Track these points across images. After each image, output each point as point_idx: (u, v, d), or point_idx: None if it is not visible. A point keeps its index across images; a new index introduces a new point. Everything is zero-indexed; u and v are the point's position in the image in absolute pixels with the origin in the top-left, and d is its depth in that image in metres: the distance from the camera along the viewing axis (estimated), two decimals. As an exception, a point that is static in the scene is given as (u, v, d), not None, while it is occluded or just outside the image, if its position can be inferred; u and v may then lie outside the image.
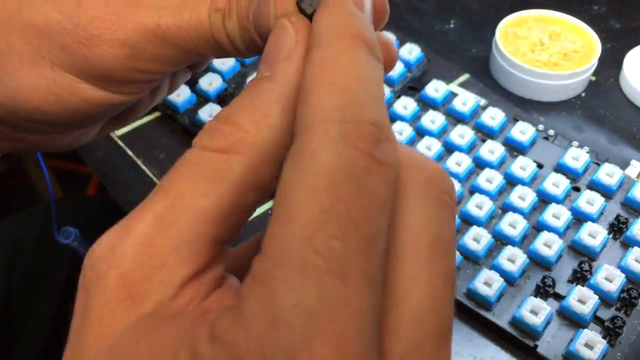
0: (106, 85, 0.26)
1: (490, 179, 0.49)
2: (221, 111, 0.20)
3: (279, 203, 0.17)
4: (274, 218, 0.17)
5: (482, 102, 0.56)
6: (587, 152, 0.51)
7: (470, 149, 0.52)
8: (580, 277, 0.45)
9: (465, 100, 0.55)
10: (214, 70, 0.57)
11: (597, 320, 0.43)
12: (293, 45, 0.20)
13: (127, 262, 0.18)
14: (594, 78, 0.61)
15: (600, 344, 0.40)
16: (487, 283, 0.43)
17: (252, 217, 0.51)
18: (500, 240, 0.47)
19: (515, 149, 0.52)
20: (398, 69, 0.57)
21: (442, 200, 0.19)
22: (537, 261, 0.46)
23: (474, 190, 0.49)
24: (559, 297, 0.44)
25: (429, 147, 0.51)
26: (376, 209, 0.17)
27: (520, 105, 0.58)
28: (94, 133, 0.32)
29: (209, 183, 0.19)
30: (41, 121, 0.27)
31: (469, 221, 0.47)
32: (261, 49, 0.22)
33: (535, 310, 0.42)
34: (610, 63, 0.62)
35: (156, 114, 0.56)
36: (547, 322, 0.42)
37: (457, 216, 0.47)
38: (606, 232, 0.46)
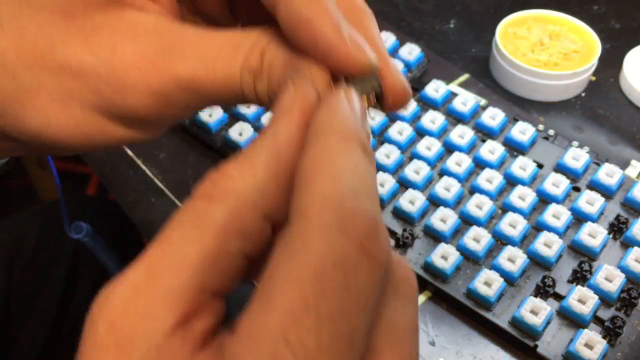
0: (133, 125, 0.26)
1: (490, 179, 0.49)
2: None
3: (263, 285, 0.18)
4: (256, 299, 0.17)
5: (482, 102, 0.56)
6: (587, 152, 0.51)
7: (470, 149, 0.52)
8: (580, 277, 0.45)
9: (465, 100, 0.55)
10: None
11: (597, 320, 0.43)
12: (290, 103, 0.21)
13: (116, 310, 0.18)
14: (594, 78, 0.61)
15: (600, 344, 0.40)
16: (487, 283, 0.43)
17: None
18: (500, 240, 0.47)
19: (515, 149, 0.52)
20: (398, 68, 0.57)
21: (414, 301, 0.20)
22: (537, 261, 0.46)
23: (473, 190, 0.49)
24: (559, 297, 0.44)
25: (429, 147, 0.51)
26: (359, 307, 0.17)
27: (520, 105, 0.58)
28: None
29: (192, 229, 0.19)
30: (63, 150, 0.27)
31: (469, 221, 0.47)
32: None
33: (535, 310, 0.42)
34: (610, 63, 0.62)
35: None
36: (547, 322, 0.42)
37: (458, 216, 0.47)
38: (606, 232, 0.46)
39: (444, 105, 0.56)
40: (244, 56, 0.24)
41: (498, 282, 0.43)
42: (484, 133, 0.53)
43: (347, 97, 0.22)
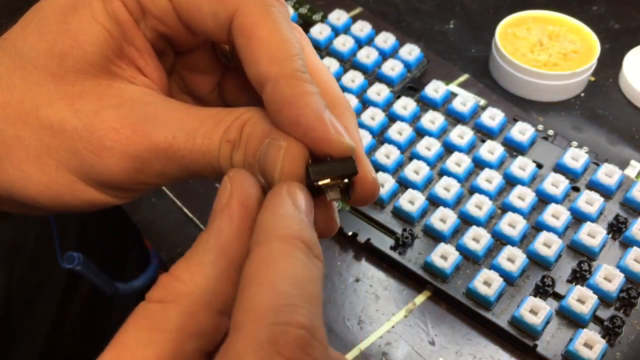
0: (106, 189, 0.26)
1: (489, 179, 0.49)
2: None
3: None
4: None
5: (482, 102, 0.56)
6: (587, 152, 0.52)
7: (470, 149, 0.52)
8: (579, 276, 0.45)
9: (465, 101, 0.55)
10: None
11: (597, 319, 0.43)
12: (228, 199, 0.22)
13: None
14: (593, 78, 0.61)
15: (600, 343, 0.41)
16: (486, 283, 0.44)
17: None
18: (500, 240, 0.47)
19: (514, 149, 0.52)
20: (398, 69, 0.57)
21: None
22: (536, 261, 0.46)
23: (473, 190, 0.49)
24: (558, 296, 0.44)
25: (429, 147, 0.51)
26: None
27: (520, 106, 0.58)
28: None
29: (149, 333, 0.20)
30: (35, 209, 0.27)
31: (468, 221, 0.48)
32: (262, 186, 0.23)
33: (535, 310, 0.42)
34: (610, 63, 0.62)
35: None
36: (547, 322, 0.42)
37: (457, 216, 0.47)
38: (605, 232, 0.46)
39: (444, 105, 0.56)
40: (225, 129, 0.24)
41: (497, 281, 0.43)
42: (484, 133, 0.53)
43: (290, 193, 0.22)
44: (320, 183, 0.23)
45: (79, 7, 0.26)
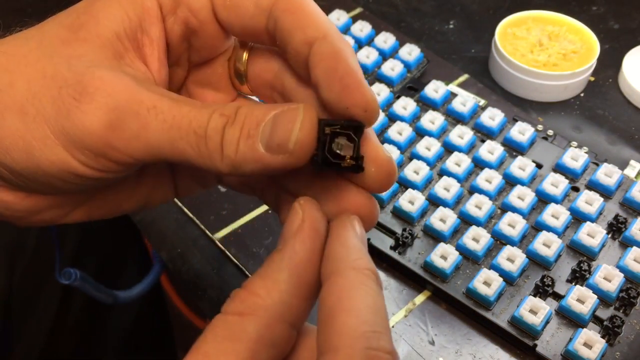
0: (74, 151, 0.26)
1: (489, 179, 0.49)
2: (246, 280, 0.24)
3: None
4: None
5: (482, 102, 0.56)
6: (586, 152, 0.52)
7: (470, 149, 0.52)
8: (579, 276, 0.45)
9: (465, 101, 0.55)
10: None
11: (596, 319, 0.43)
12: (300, 223, 0.24)
13: None
14: (592, 78, 0.61)
15: (599, 343, 0.41)
16: (486, 282, 0.44)
17: (251, 218, 0.51)
18: (500, 240, 0.47)
19: (514, 149, 0.52)
20: (398, 69, 0.57)
21: None
22: (536, 261, 0.46)
23: (473, 190, 0.50)
24: (558, 296, 0.44)
25: (429, 147, 0.51)
26: None
27: (520, 106, 0.58)
28: (65, 216, 0.31)
29: (228, 343, 0.22)
30: (7, 167, 0.27)
31: (468, 221, 0.48)
32: (250, 161, 0.24)
33: (535, 310, 0.42)
34: (609, 63, 0.62)
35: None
36: (546, 322, 0.42)
37: (457, 216, 0.47)
38: (605, 232, 0.46)
39: (444, 105, 0.56)
40: (216, 107, 0.25)
41: (497, 281, 0.43)
42: (484, 133, 0.54)
43: (352, 225, 0.25)
44: (329, 130, 0.24)
45: None
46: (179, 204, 0.51)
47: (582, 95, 0.60)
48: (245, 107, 0.25)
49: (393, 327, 0.44)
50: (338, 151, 0.24)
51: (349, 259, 0.23)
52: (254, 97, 0.32)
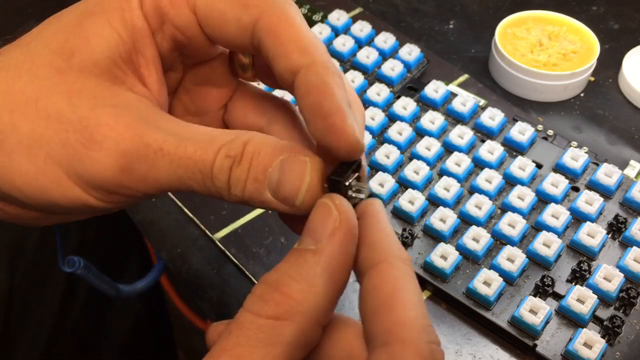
0: (90, 189, 0.26)
1: (489, 179, 0.49)
2: (268, 277, 0.23)
3: None
4: None
5: (482, 102, 0.56)
6: (586, 152, 0.52)
7: (470, 149, 0.52)
8: (579, 276, 0.45)
9: (465, 101, 0.55)
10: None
11: (596, 319, 0.43)
12: (337, 225, 0.23)
13: None
14: (592, 78, 0.62)
15: (599, 343, 0.41)
16: (486, 282, 0.44)
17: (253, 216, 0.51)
18: (500, 240, 0.47)
19: (514, 149, 0.53)
20: (398, 69, 0.57)
21: None
22: (536, 261, 0.46)
23: (473, 190, 0.50)
24: (558, 296, 0.44)
25: (429, 147, 0.52)
26: None
27: (520, 106, 0.58)
28: (71, 217, 0.32)
29: (264, 347, 0.22)
30: (18, 201, 0.27)
31: (468, 221, 0.48)
32: (257, 202, 0.25)
33: (535, 310, 0.42)
34: (609, 63, 0.62)
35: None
36: (546, 322, 0.43)
37: (457, 216, 0.47)
38: (605, 232, 0.46)
39: (444, 105, 0.56)
40: (222, 143, 0.25)
41: (497, 281, 0.43)
42: (483, 133, 0.54)
43: (384, 210, 0.25)
44: (346, 183, 0.25)
45: (97, 13, 0.27)
46: (179, 204, 0.51)
47: (582, 95, 0.60)
48: (251, 145, 0.25)
49: (393, 327, 0.44)
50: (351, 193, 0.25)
51: (393, 248, 0.23)
52: (256, 85, 0.32)
